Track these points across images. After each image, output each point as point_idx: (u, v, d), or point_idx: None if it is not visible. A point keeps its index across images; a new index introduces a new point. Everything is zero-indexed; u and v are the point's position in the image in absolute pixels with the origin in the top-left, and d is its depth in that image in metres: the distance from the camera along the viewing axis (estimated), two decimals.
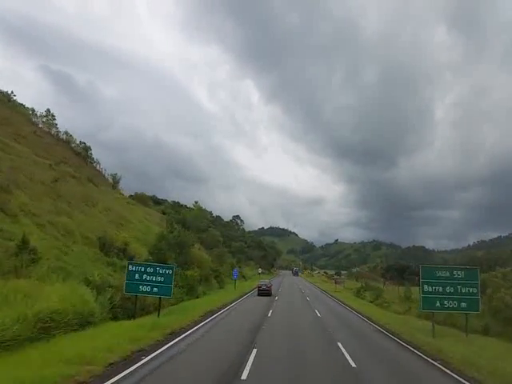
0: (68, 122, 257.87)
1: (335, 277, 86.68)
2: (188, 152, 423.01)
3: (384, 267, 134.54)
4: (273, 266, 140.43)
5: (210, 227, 78.43)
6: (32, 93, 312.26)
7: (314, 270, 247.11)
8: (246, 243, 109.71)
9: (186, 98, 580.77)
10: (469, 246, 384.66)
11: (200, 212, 73.83)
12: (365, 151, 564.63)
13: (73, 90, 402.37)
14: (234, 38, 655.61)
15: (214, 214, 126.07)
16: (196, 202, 74.29)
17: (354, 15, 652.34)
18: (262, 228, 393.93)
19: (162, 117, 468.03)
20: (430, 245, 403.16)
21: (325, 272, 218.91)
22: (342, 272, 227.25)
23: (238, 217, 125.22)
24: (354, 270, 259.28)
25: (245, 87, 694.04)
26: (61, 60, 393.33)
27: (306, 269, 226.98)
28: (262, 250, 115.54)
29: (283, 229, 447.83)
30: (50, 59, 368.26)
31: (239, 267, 76.86)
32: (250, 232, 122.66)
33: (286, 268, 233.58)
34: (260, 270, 77.32)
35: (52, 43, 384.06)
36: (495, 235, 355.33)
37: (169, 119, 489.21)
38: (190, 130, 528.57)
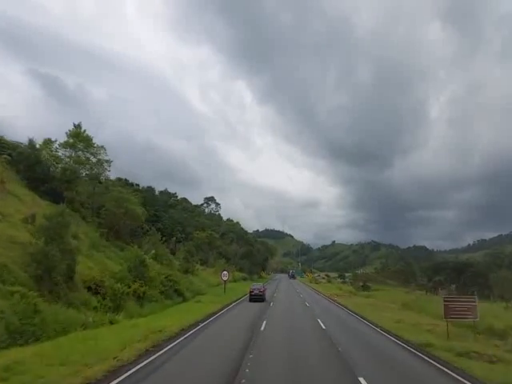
0: (58, 126, 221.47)
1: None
2: (180, 155, 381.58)
3: (431, 267, 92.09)
4: (264, 269, 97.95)
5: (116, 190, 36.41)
6: (21, 97, 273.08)
7: (314, 273, 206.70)
8: (217, 233, 68.54)
9: (178, 100, 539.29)
10: (469, 245, 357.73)
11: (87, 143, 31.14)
12: (360, 152, 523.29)
13: (62, 93, 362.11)
14: (225, 38, 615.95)
15: (179, 196, 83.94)
16: (76, 127, 30.71)
17: (347, 13, 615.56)
18: (257, 230, 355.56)
19: (153, 119, 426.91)
20: (426, 245, 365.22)
21: (326, 275, 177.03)
22: (346, 274, 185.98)
23: (211, 199, 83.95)
24: (359, 271, 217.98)
25: (237, 88, 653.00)
26: (49, 63, 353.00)
27: (305, 271, 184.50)
28: (246, 245, 73.94)
29: (279, 231, 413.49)
30: (38, 62, 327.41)
31: (186, 272, 34.48)
32: (229, 220, 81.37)
33: (282, 271, 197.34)
34: (225, 276, 34.43)
35: (39, 45, 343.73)
36: (492, 235, 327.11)
37: (160, 121, 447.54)
38: (182, 132, 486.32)
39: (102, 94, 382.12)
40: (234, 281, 53.18)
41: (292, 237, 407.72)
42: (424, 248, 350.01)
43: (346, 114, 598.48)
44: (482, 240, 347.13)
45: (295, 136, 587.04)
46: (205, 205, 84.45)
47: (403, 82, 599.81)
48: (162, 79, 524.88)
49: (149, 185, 72.95)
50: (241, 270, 66.70)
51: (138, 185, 78.67)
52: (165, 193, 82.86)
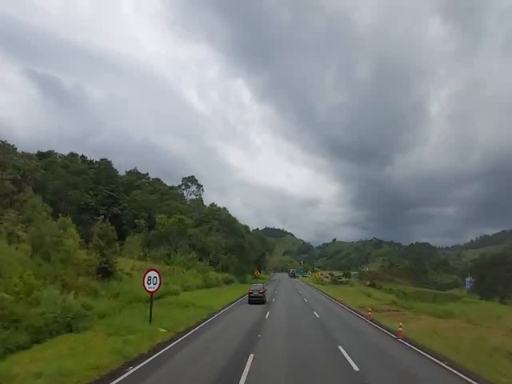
0: (56, 127, 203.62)
1: None
2: (180, 154, 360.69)
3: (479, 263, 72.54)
4: (260, 268, 78.20)
5: None
6: (18, 98, 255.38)
7: (317, 271, 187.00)
8: (192, 219, 48.74)
9: (176, 99, 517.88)
10: (472, 241, 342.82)
11: None
12: (360, 150, 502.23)
13: (60, 94, 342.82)
14: (223, 36, 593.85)
15: (151, 176, 64.29)
16: None
17: (347, 9, 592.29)
18: (257, 229, 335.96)
19: (152, 119, 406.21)
20: (427, 242, 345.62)
21: (330, 273, 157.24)
22: (352, 273, 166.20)
23: (191, 180, 63.29)
24: (365, 269, 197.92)
25: (236, 87, 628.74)
26: (46, 63, 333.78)
27: (307, 270, 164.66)
28: (234, 237, 53.95)
29: (279, 229, 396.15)
30: (35, 62, 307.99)
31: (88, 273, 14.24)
32: (213, 205, 60.69)
33: (283, 270, 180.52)
34: (154, 282, 14.89)
35: (36, 45, 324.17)
36: (493, 231, 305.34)
37: (159, 121, 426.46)
38: (180, 131, 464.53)
39: (101, 94, 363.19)
40: (207, 286, 33.24)
41: (292, 235, 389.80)
42: (427, 245, 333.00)
43: (345, 111, 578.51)
44: (485, 236, 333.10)
45: (295, 134, 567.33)
46: (183, 187, 64.25)
47: (403, 78, 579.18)
48: (161, 78, 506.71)
49: (103, 157, 53.07)
50: (224, 268, 46.75)
51: (96, 162, 58.94)
52: (133, 173, 63.08)
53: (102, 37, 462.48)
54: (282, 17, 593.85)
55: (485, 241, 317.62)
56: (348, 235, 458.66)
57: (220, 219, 53.80)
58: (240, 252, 54.31)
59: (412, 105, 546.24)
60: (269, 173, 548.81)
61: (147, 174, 62.36)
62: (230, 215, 56.50)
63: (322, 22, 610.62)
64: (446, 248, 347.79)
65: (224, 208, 59.02)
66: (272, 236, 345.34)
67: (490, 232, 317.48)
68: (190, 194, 64.13)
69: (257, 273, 63.49)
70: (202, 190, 64.43)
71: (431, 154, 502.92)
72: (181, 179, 64.38)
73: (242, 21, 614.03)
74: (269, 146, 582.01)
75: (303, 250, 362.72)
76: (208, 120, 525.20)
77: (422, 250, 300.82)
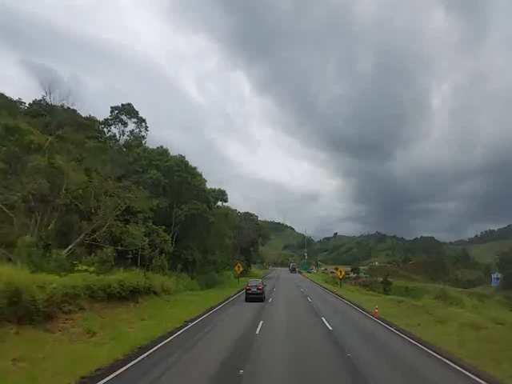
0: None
1: None
2: (178, 147, 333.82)
3: None
4: (249, 264, 51.30)
5: None
6: (16, 89, 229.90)
7: (320, 266, 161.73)
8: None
9: (175, 91, 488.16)
10: (476, 236, 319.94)
11: None
12: (360, 144, 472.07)
13: (57, 84, 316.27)
14: (223, 27, 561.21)
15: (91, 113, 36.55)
16: None
17: (348, 0, 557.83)
18: None
19: (150, 111, 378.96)
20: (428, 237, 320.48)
21: (336, 268, 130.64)
22: (361, 268, 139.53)
23: (127, 110, 35.66)
24: (374, 263, 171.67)
25: (235, 79, 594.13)
26: (43, 53, 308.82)
27: (311, 264, 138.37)
28: (195, 200, 27.32)
29: (279, 223, 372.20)
30: (32, 52, 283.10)
31: None
32: (160, 147, 33.14)
33: (283, 264, 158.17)
34: None
35: (33, 36, 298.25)
36: (498, 226, 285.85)
37: (157, 113, 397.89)
38: (179, 124, 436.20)
39: (99, 85, 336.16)
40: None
41: (293, 229, 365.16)
42: (432, 239, 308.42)
43: (346, 104, 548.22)
44: (491, 231, 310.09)
45: (295, 128, 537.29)
46: (111, 122, 36.25)
47: (405, 71, 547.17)
48: (159, 69, 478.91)
49: None
50: (140, 260, 19.29)
51: None
52: (38, 103, 35.63)
53: (100, 27, 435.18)
54: (283, 8, 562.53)
55: (491, 236, 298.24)
56: (349, 230, 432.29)
57: (166, 167, 26.65)
58: (203, 230, 27.34)
59: (414, 98, 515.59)
60: (269, 166, 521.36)
61: (91, 115, 34.99)
62: (184, 162, 28.52)
63: (323, 14, 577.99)
64: (450, 243, 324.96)
65: (180, 155, 31.18)
66: (272, 230, 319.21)
67: (494, 227, 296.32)
68: (126, 134, 36.85)
69: (238, 268, 36.06)
70: (146, 127, 36.98)
71: (433, 148, 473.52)
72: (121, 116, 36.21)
73: (242, 11, 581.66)
74: (269, 139, 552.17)
75: (303, 244, 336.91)
76: (207, 113, 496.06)
77: (427, 245, 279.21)
